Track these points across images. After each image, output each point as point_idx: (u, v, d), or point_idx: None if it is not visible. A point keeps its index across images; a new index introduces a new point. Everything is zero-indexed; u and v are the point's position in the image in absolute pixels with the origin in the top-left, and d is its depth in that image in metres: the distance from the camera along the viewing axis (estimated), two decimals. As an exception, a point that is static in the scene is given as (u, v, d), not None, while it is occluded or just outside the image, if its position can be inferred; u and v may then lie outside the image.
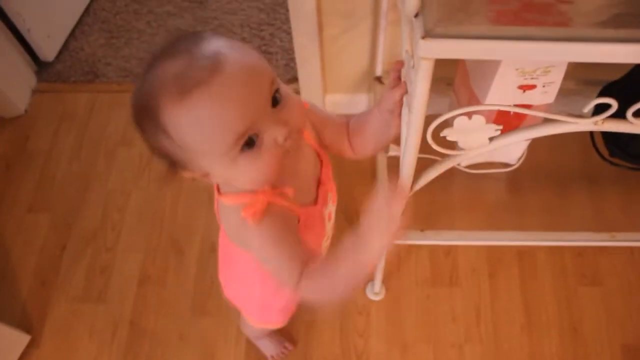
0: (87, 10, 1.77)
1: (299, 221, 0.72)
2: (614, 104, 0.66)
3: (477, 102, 1.08)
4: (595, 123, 0.70)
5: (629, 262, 1.33)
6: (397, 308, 1.31)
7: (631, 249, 1.34)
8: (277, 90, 0.60)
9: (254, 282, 0.90)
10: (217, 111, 0.56)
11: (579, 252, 1.34)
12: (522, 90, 1.04)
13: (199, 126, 0.57)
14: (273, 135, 0.59)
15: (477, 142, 0.73)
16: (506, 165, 1.25)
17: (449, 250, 1.36)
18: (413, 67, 0.67)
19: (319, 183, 0.77)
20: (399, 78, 0.78)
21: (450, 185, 1.41)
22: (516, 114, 1.00)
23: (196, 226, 1.43)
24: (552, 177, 1.41)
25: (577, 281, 1.32)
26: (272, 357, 1.27)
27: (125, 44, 1.70)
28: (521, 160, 1.23)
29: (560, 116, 0.69)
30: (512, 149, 1.20)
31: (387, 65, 1.36)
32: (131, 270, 1.39)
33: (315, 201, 0.76)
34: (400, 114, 0.79)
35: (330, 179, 0.80)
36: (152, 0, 1.79)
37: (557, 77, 0.99)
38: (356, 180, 1.45)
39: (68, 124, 1.61)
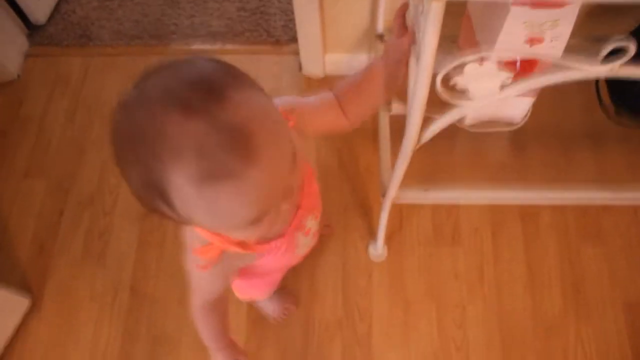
0: (78, -29, 1.72)
1: (255, 260, 0.72)
2: (632, 48, 0.64)
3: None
4: (612, 69, 0.68)
5: (633, 222, 1.32)
6: (400, 268, 1.30)
7: (635, 208, 1.33)
8: (293, 158, 0.53)
9: (241, 283, 0.98)
10: (241, 206, 0.49)
11: (582, 212, 1.33)
12: (529, 44, 1.02)
13: (214, 214, 0.50)
14: (282, 208, 0.56)
15: (487, 90, 0.71)
16: (510, 124, 1.23)
17: (451, 210, 1.35)
18: (422, 12, 0.65)
19: (298, 208, 0.72)
20: (404, 25, 0.75)
21: (453, 145, 1.39)
22: (524, 65, 0.98)
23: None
24: (556, 137, 1.40)
25: (580, 241, 1.31)
26: (274, 317, 1.27)
27: (119, 6, 1.66)
28: (526, 119, 1.20)
29: (575, 62, 0.67)
30: (517, 107, 1.18)
31: (388, 22, 1.32)
32: (130, 235, 1.37)
33: (286, 229, 0.72)
34: (407, 64, 0.77)
35: (310, 198, 0.75)
36: (147, -40, 1.74)
37: (565, 30, 0.96)
38: (358, 142, 1.44)
39: (62, 88, 1.57)
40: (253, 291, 1.06)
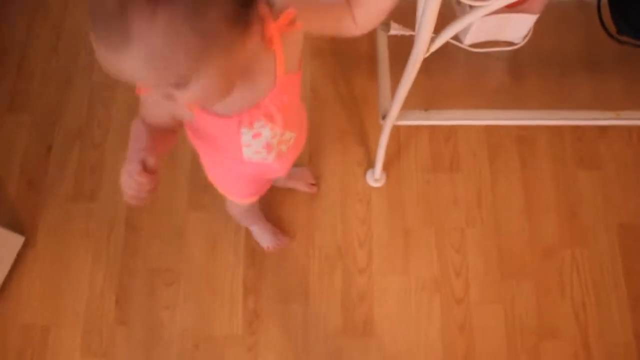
0: None
1: (193, 119, 0.73)
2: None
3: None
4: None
5: (627, 145, 1.33)
6: (398, 194, 1.30)
7: (629, 131, 1.34)
8: (177, 84, 0.57)
9: (204, 155, 0.95)
10: (108, 66, 0.55)
11: (579, 136, 1.34)
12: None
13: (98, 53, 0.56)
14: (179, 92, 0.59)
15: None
16: (510, 44, 1.21)
17: (449, 135, 1.35)
18: None
19: (256, 107, 0.73)
20: None
21: (450, 69, 1.37)
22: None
23: (187, 122, 1.38)
24: (554, 63, 1.38)
25: (575, 165, 1.32)
26: (268, 247, 1.27)
27: None
28: (526, 39, 1.19)
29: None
30: (519, 27, 1.16)
31: None
32: (122, 165, 1.34)
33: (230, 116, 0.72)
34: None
35: (280, 109, 0.75)
36: None
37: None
38: (353, 69, 1.41)
39: (42, 17, 1.50)
40: (228, 187, 1.03)
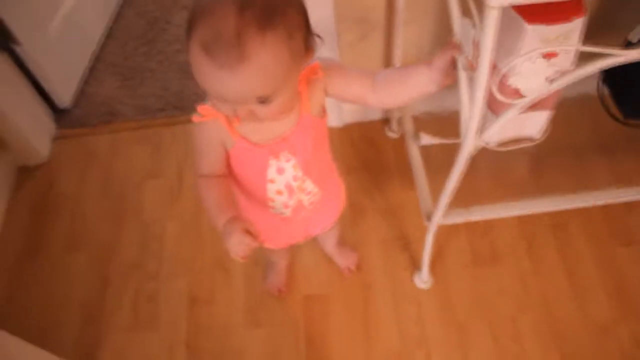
0: (97, 58, 1.83)
1: (234, 146, 0.85)
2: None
3: (503, 78, 1.16)
4: (640, 53, 0.77)
5: (655, 219, 1.41)
6: (446, 292, 1.34)
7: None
8: (266, 99, 0.72)
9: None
10: (211, 81, 0.69)
11: (607, 215, 1.40)
12: (547, 59, 1.12)
13: (195, 68, 0.70)
14: (236, 110, 0.73)
15: (539, 85, 0.79)
16: (531, 139, 1.32)
17: (485, 230, 1.41)
18: (474, 26, 0.75)
19: (283, 140, 0.86)
20: (452, 43, 0.85)
21: (477, 166, 1.47)
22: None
23: (236, 244, 1.45)
24: (569, 150, 1.49)
25: (612, 243, 1.37)
26: (266, 289, 1.38)
27: (140, 84, 1.75)
28: (546, 133, 1.30)
29: (614, 50, 0.77)
30: (536, 123, 1.28)
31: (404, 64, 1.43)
32: (178, 294, 1.39)
33: (262, 145, 0.86)
34: (449, 74, 0.86)
35: (302, 147, 0.88)
36: (160, 41, 1.86)
37: (574, 41, 1.07)
38: (385, 182, 1.52)
39: (92, 165, 1.63)
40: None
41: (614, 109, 1.34)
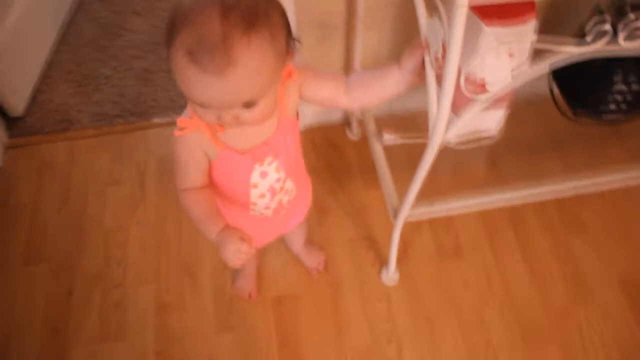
0: (49, 64, 1.77)
1: (218, 156, 0.85)
2: (610, 30, 0.80)
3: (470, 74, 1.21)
4: (595, 49, 0.83)
5: (603, 206, 1.49)
6: (413, 287, 1.38)
7: (602, 194, 1.49)
8: (252, 103, 0.73)
9: None
10: (195, 87, 0.69)
11: (560, 207, 1.48)
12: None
13: (178, 75, 0.70)
14: (220, 115, 0.74)
15: (502, 79, 0.83)
16: (488, 137, 1.38)
17: (447, 225, 1.46)
18: (442, 25, 0.79)
19: (265, 143, 0.87)
20: (419, 43, 0.88)
21: (435, 165, 1.52)
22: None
23: (204, 249, 1.44)
24: (522, 146, 1.56)
25: (566, 233, 1.45)
26: (234, 293, 1.37)
27: (95, 90, 1.71)
28: (501, 131, 1.35)
29: (571, 47, 0.82)
30: (492, 119, 1.33)
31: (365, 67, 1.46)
32: (146, 301, 1.37)
33: (246, 152, 0.86)
34: (418, 74, 0.89)
35: (283, 148, 0.90)
36: (114, 47, 1.82)
37: (528, 42, 1.13)
38: (348, 183, 1.55)
39: (50, 173, 1.58)
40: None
41: (564, 106, 1.42)
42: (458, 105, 0.95)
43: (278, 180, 0.93)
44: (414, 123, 1.47)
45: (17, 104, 1.64)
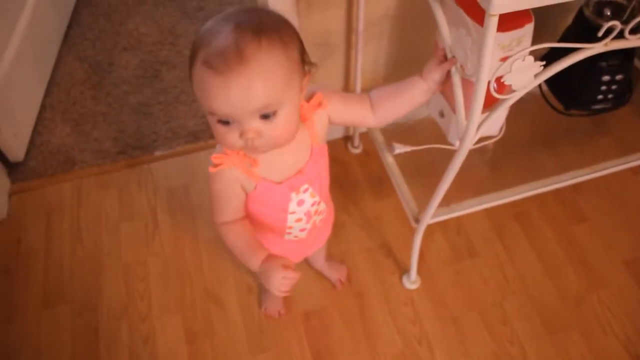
0: (42, 106, 1.77)
1: (255, 188, 0.88)
2: (618, 25, 0.88)
3: (467, 84, 1.28)
4: (605, 44, 0.90)
5: (599, 195, 1.58)
6: (435, 289, 1.43)
7: (596, 184, 1.57)
8: (270, 112, 0.75)
9: None
10: (213, 95, 0.72)
11: (561, 199, 1.56)
12: (502, 62, 1.25)
13: (198, 88, 0.75)
14: (242, 131, 0.76)
15: (526, 81, 0.90)
16: (490, 137, 1.45)
17: (458, 227, 1.52)
18: (468, 34, 0.85)
19: (300, 172, 0.90)
20: (444, 56, 0.94)
21: (439, 168, 1.58)
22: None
23: (225, 273, 1.46)
24: (519, 144, 1.63)
25: (568, 223, 1.53)
26: (264, 313, 1.39)
27: (93, 128, 1.71)
28: (503, 130, 1.43)
29: (579, 44, 0.89)
30: (497, 121, 1.40)
31: (365, 84, 1.52)
32: (175, 331, 1.37)
33: (282, 182, 0.89)
34: (444, 83, 0.95)
35: (317, 175, 0.93)
36: (106, 84, 1.83)
37: (527, 45, 1.21)
38: (359, 197, 1.60)
39: (58, 215, 1.57)
40: None
41: (554, 102, 1.51)
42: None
43: (314, 204, 0.96)
44: (417, 131, 1.54)
45: (18, 149, 1.63)
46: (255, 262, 0.89)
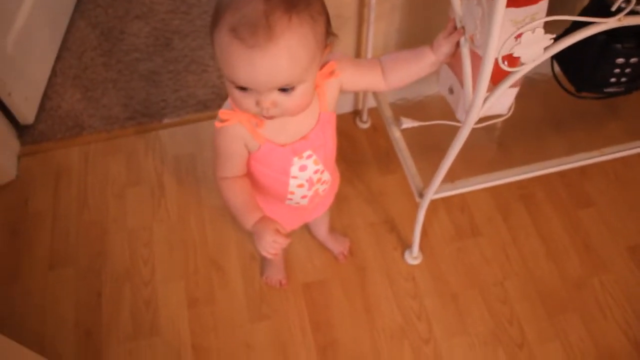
0: (53, 71, 1.77)
1: (259, 148, 0.89)
2: (633, 1, 0.86)
3: (477, 58, 1.26)
4: (619, 19, 0.89)
5: (606, 179, 1.57)
6: (436, 265, 1.43)
7: (604, 167, 1.57)
8: (289, 87, 0.75)
9: None
10: (236, 63, 0.71)
11: (567, 182, 1.56)
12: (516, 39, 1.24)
13: (221, 55, 0.73)
14: (259, 100, 0.76)
15: (535, 54, 0.89)
16: (499, 115, 1.44)
17: (462, 205, 1.52)
18: (478, 4, 0.84)
19: (304, 138, 0.90)
20: (454, 27, 0.93)
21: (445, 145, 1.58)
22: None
23: (228, 242, 1.47)
24: (529, 124, 1.62)
25: (573, 206, 1.52)
26: (265, 282, 1.41)
27: (103, 94, 1.72)
28: (512, 109, 1.42)
29: (591, 18, 0.88)
30: (507, 99, 1.39)
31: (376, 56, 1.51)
32: (177, 297, 1.39)
33: (285, 145, 0.89)
34: (453, 54, 0.94)
35: (322, 144, 0.93)
36: (117, 51, 1.83)
37: (540, 23, 1.19)
38: (365, 171, 1.60)
39: (66, 179, 1.59)
40: None
41: (566, 83, 1.49)
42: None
43: (316, 172, 0.97)
44: (423, 107, 1.54)
45: (28, 112, 1.64)
46: (249, 221, 0.91)
